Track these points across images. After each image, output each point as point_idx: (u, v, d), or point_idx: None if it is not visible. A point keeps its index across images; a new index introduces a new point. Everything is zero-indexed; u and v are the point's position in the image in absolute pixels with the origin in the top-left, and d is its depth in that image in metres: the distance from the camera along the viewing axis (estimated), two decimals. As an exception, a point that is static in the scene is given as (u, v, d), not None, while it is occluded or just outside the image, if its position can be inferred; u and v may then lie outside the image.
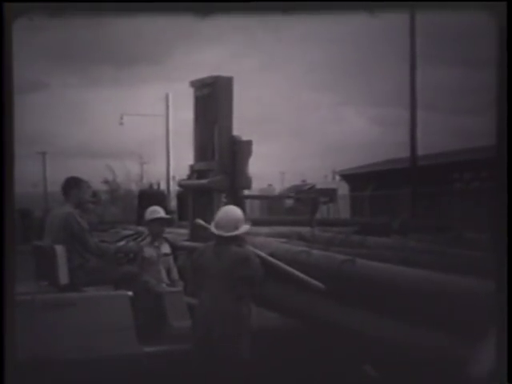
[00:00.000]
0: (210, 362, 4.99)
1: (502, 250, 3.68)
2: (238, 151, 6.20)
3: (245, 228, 5.20)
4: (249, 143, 6.26)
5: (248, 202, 29.72)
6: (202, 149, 6.42)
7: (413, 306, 4.82)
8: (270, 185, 42.85)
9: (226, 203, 6.20)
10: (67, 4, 3.85)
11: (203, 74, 6.62)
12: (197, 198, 6.54)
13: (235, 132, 6.42)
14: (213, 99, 6.25)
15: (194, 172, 6.60)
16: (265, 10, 3.90)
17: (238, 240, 5.14)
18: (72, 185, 6.10)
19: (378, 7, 3.90)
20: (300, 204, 31.59)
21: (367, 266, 5.38)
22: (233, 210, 5.30)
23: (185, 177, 7.08)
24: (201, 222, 5.83)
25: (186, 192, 7.17)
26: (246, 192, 6.40)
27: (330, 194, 6.40)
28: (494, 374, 3.65)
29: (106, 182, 31.38)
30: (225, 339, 4.94)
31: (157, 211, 6.35)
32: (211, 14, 3.81)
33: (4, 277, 3.60)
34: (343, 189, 27.62)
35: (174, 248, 6.59)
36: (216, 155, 6.22)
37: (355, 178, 27.79)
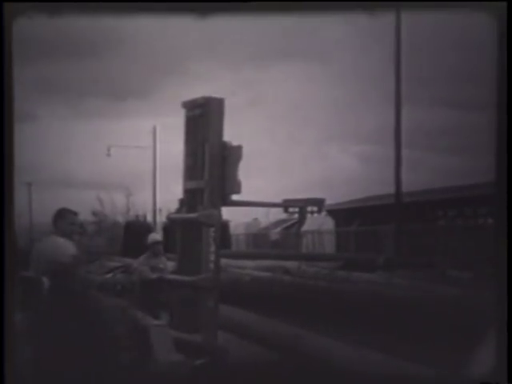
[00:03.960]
0: None
1: (502, 250, 3.69)
2: (228, 156, 6.28)
3: None
4: (239, 148, 6.34)
5: (234, 236, 29.51)
6: (192, 168, 6.49)
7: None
8: (255, 219, 42.88)
9: (215, 237, 6.24)
10: (67, 4, 3.85)
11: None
12: (186, 232, 6.59)
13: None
14: (204, 119, 6.34)
15: (184, 205, 6.65)
16: (264, 10, 3.91)
17: None
18: (57, 216, 6.15)
19: (377, 7, 3.92)
20: (284, 238, 31.62)
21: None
22: None
23: (172, 209, 7.12)
24: None
25: (173, 224, 7.20)
26: (236, 197, 6.42)
27: (318, 204, 6.44)
28: (494, 373, 3.65)
29: (94, 213, 31.29)
30: None
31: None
32: (211, 13, 3.81)
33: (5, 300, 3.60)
34: (328, 224, 27.71)
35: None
36: (206, 174, 6.29)
37: (340, 214, 27.91)
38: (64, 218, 6.13)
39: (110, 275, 6.55)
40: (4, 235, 3.82)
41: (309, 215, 7.31)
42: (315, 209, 7.33)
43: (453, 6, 3.88)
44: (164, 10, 3.87)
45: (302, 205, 6.86)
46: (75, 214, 6.28)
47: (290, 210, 6.84)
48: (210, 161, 6.28)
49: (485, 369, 3.71)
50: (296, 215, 6.93)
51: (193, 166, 6.48)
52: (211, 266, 6.24)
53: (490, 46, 3.76)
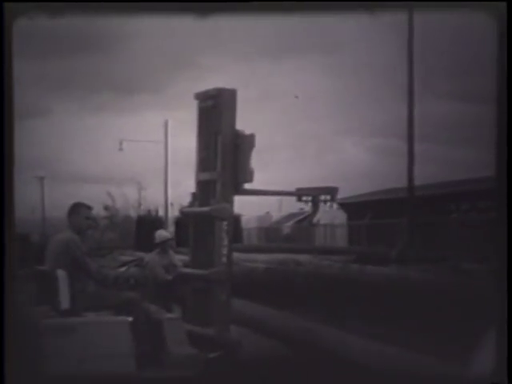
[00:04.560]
0: None
1: (502, 248, 3.67)
2: (241, 144, 6.28)
3: None
4: (252, 136, 6.34)
5: (246, 230, 29.51)
6: (205, 160, 6.49)
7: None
8: (267, 212, 42.91)
9: (228, 231, 6.25)
10: (67, 4, 3.85)
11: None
12: (198, 226, 6.60)
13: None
14: (216, 110, 6.35)
15: (197, 199, 6.66)
16: (265, 10, 3.91)
17: None
18: (72, 211, 6.17)
19: (377, 7, 3.92)
20: (296, 231, 31.69)
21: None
22: None
23: (184, 203, 7.13)
24: None
25: (185, 219, 7.22)
26: (248, 186, 6.41)
27: (331, 192, 6.38)
28: (493, 373, 3.65)
29: (106, 207, 31.41)
30: None
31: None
32: (211, 14, 3.81)
33: (5, 299, 3.62)
34: (341, 217, 27.68)
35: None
36: (218, 166, 6.30)
37: (353, 207, 27.86)
38: (78, 213, 6.16)
39: (123, 269, 6.58)
40: (4, 234, 3.84)
41: (322, 205, 7.25)
42: (328, 197, 7.30)
43: (453, 5, 3.89)
44: (165, 9, 3.88)
45: (316, 193, 6.82)
46: (89, 208, 6.31)
47: (304, 198, 6.73)
48: (223, 152, 6.29)
49: (485, 369, 3.71)
50: (309, 206, 6.88)
51: (205, 157, 6.49)
52: (224, 259, 6.25)
53: (490, 46, 3.76)
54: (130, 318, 5.72)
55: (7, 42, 3.77)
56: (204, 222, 6.48)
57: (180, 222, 21.31)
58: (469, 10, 3.86)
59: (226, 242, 6.26)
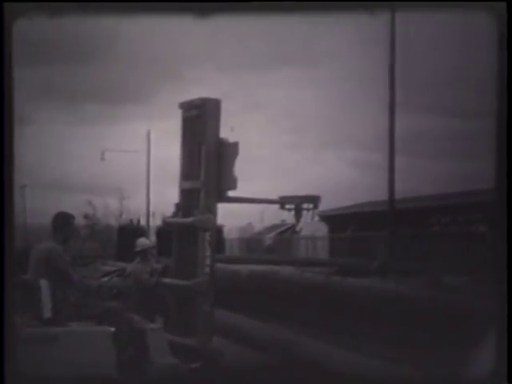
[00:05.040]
0: None
1: (501, 248, 3.71)
2: (225, 152, 6.34)
3: None
4: (235, 144, 6.41)
5: (228, 241, 29.51)
6: (189, 168, 6.54)
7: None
8: (249, 223, 42.93)
9: (211, 242, 6.28)
10: (67, 4, 3.85)
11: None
12: (181, 236, 6.62)
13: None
14: (201, 120, 6.41)
15: (180, 209, 6.69)
16: (264, 10, 3.92)
17: None
18: (56, 220, 6.15)
19: (378, 7, 3.94)
20: (278, 243, 31.72)
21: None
22: None
23: (165, 213, 7.14)
24: None
25: (167, 228, 7.23)
26: (231, 193, 6.45)
27: (314, 201, 6.47)
28: (494, 374, 3.67)
29: (87, 216, 31.28)
30: None
31: None
32: (211, 14, 3.81)
33: (4, 307, 3.61)
34: (323, 230, 27.75)
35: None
36: (202, 175, 6.34)
37: (335, 220, 27.96)
38: (62, 222, 6.15)
39: (106, 279, 6.58)
40: (4, 237, 3.84)
41: (304, 215, 7.32)
42: (311, 206, 7.34)
43: (452, 6, 3.90)
44: (164, 10, 3.88)
45: (298, 201, 6.88)
46: (73, 217, 6.31)
47: (287, 206, 6.81)
48: (207, 160, 6.34)
49: (485, 369, 3.74)
50: (292, 214, 6.98)
51: (189, 165, 6.53)
52: (207, 270, 6.28)
53: (489, 46, 3.79)
54: (113, 328, 5.72)
55: (7, 42, 3.76)
56: (187, 233, 6.50)
57: (161, 232, 21.24)
58: (468, 10, 3.89)
59: (208, 253, 6.29)
